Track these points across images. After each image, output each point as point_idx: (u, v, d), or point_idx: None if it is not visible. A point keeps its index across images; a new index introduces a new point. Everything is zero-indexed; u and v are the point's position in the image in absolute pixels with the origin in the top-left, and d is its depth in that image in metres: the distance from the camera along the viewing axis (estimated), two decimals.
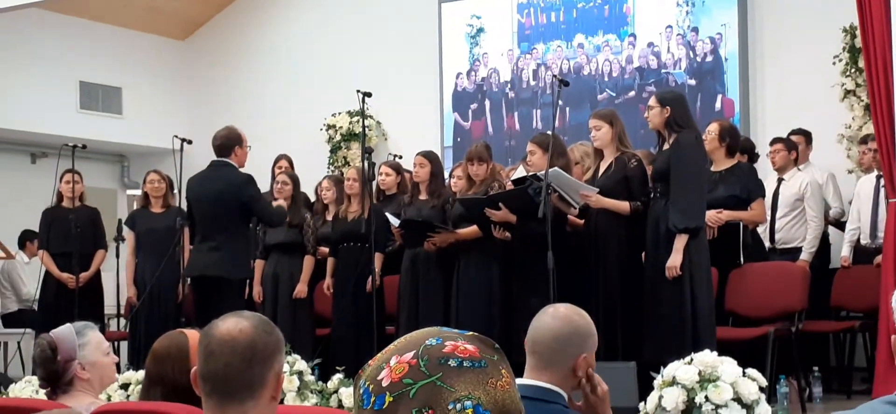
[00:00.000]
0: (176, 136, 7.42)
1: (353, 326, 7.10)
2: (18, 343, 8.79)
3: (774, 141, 7.32)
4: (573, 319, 2.65)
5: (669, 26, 8.94)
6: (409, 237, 6.77)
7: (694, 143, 5.66)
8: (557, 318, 2.65)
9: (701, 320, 5.54)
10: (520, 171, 6.39)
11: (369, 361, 1.44)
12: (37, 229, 8.49)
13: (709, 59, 8.79)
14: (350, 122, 10.16)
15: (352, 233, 7.20)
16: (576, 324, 2.64)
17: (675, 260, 5.50)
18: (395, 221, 6.74)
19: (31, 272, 9.32)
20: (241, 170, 6.68)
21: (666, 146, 5.70)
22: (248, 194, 6.56)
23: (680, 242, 5.51)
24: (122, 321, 8.73)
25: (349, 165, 9.74)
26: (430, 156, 6.95)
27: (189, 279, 6.91)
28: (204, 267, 6.55)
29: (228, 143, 6.62)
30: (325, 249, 7.61)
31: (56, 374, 3.16)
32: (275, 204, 7.22)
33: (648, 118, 5.79)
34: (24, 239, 9.59)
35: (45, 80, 10.30)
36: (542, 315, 2.69)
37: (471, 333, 1.45)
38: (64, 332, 3.21)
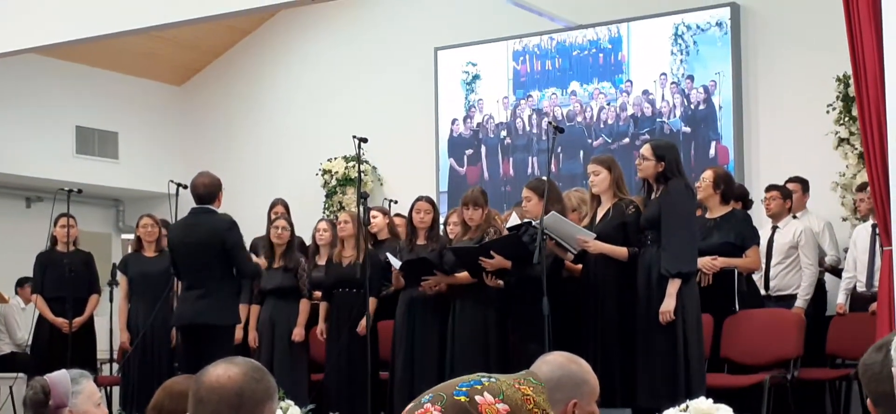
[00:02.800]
0: (171, 181, 7.42)
1: (347, 371, 7.07)
2: (10, 388, 8.74)
3: (770, 188, 7.34)
4: (565, 364, 2.65)
5: (664, 74, 9.00)
6: (409, 278, 6.75)
7: (684, 190, 5.69)
8: (548, 362, 2.65)
9: (692, 366, 5.53)
10: (513, 218, 6.39)
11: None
12: (31, 274, 8.46)
13: (703, 107, 8.83)
14: (346, 168, 10.18)
15: (346, 278, 7.18)
16: (566, 369, 2.64)
17: (668, 305, 5.50)
18: (396, 262, 6.72)
19: (26, 317, 9.27)
20: (223, 214, 6.60)
21: (655, 195, 5.72)
22: (232, 240, 6.46)
23: (673, 286, 5.51)
24: (115, 366, 8.68)
25: (344, 210, 9.74)
26: (432, 202, 7.03)
27: (176, 328, 6.86)
28: (192, 315, 6.46)
29: (213, 189, 6.54)
30: (320, 294, 7.58)
31: None
32: (254, 260, 7.13)
33: (640, 167, 5.80)
34: (19, 285, 9.55)
35: (42, 124, 10.31)
36: (537, 361, 2.69)
37: (463, 398, 1.45)
38: (59, 377, 3.19)
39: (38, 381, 3.19)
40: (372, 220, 7.55)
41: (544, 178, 6.18)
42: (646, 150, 5.83)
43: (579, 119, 9.37)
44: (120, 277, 8.05)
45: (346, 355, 7.08)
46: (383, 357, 7.12)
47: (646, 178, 5.80)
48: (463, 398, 1.43)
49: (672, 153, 5.82)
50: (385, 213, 7.78)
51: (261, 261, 7.24)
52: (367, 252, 6.89)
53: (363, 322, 6.89)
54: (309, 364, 7.56)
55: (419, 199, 6.97)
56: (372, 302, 6.98)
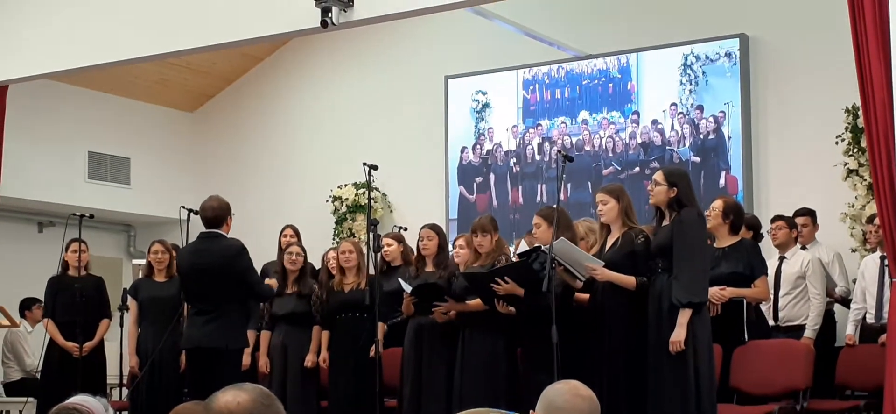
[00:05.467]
0: (183, 207, 7.46)
1: (353, 398, 7.06)
2: (21, 412, 8.76)
3: (776, 218, 7.34)
4: (592, 397, 2.71)
5: (673, 104, 9.02)
6: (420, 304, 6.74)
7: (696, 219, 5.67)
8: (579, 396, 2.70)
9: (703, 396, 5.51)
10: (523, 246, 6.40)
11: None
12: (39, 297, 8.48)
13: (712, 136, 8.85)
14: (356, 194, 10.22)
15: (349, 303, 7.17)
16: (594, 402, 2.70)
17: (678, 335, 5.49)
18: (407, 287, 6.71)
19: (32, 341, 9.30)
20: (232, 239, 6.60)
21: (666, 222, 5.72)
22: (242, 266, 6.46)
23: (684, 316, 5.49)
24: (125, 391, 8.70)
25: (354, 237, 9.77)
26: (436, 229, 6.98)
27: (185, 351, 6.87)
28: (199, 339, 6.46)
29: (222, 214, 6.54)
30: None
31: None
32: (267, 282, 7.13)
33: (652, 193, 5.80)
34: (24, 307, 9.57)
35: (55, 149, 10.39)
36: (561, 392, 2.72)
37: None
38: (101, 411, 3.05)
39: (83, 412, 2.85)
40: (387, 247, 7.55)
41: (555, 206, 6.17)
42: (658, 175, 5.81)
43: (588, 148, 9.40)
44: (130, 301, 8.08)
45: (353, 382, 7.07)
46: (389, 383, 7.11)
47: (657, 205, 5.79)
48: None
49: (684, 181, 5.81)
50: (400, 240, 7.74)
51: (272, 281, 7.25)
52: (376, 276, 6.90)
53: (374, 347, 6.89)
54: (319, 390, 7.55)
55: (423, 227, 6.99)
56: (380, 329, 6.99)
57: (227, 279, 6.41)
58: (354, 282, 7.21)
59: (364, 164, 6.93)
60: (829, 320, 7.29)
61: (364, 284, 7.08)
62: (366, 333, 6.94)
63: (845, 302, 7.42)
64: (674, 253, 5.56)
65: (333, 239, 10.07)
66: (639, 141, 9.17)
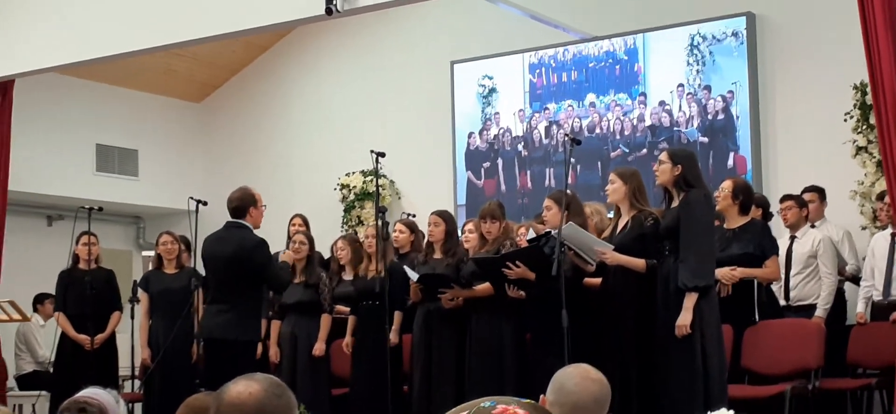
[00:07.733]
0: (191, 198, 7.46)
1: (371, 384, 7.08)
2: (33, 406, 8.79)
3: (785, 198, 7.32)
4: (601, 379, 2.72)
5: (681, 85, 8.99)
6: (427, 292, 6.76)
7: (703, 201, 5.66)
8: (589, 379, 2.71)
9: (712, 378, 5.50)
10: (530, 232, 6.39)
11: None
12: (52, 291, 8.52)
13: (720, 117, 8.82)
14: (364, 182, 10.22)
15: (369, 291, 7.20)
16: (604, 385, 2.71)
17: (684, 319, 5.48)
18: (413, 275, 6.73)
19: (45, 334, 9.33)
20: (255, 233, 6.61)
21: (674, 203, 5.70)
22: (260, 259, 6.48)
23: (690, 300, 5.48)
24: (137, 383, 8.73)
25: (363, 224, 9.78)
26: (444, 215, 6.98)
27: (202, 341, 6.90)
28: (213, 329, 6.50)
29: (243, 204, 6.58)
30: (345, 309, 7.60)
31: None
32: (281, 259, 7.11)
33: (658, 172, 5.79)
34: (37, 301, 9.61)
35: (62, 143, 10.41)
36: (568, 376, 2.72)
37: (529, 401, 1.49)
38: (108, 400, 3.08)
39: (94, 405, 2.97)
40: (399, 235, 7.56)
41: (567, 190, 6.16)
42: (663, 155, 5.81)
43: (596, 131, 9.38)
44: (141, 293, 8.10)
45: (370, 368, 7.09)
46: (407, 370, 7.13)
47: (664, 185, 5.78)
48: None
49: (690, 160, 5.79)
50: (412, 228, 7.71)
51: (288, 255, 7.22)
52: (385, 265, 6.92)
53: (393, 335, 6.93)
54: (330, 378, 7.58)
55: (431, 213, 7.00)
56: (398, 315, 7.01)
57: (240, 270, 6.44)
58: (376, 269, 7.23)
59: (371, 151, 6.93)
60: (839, 299, 7.27)
61: (380, 270, 7.10)
62: (380, 320, 6.97)
63: (855, 280, 7.40)
64: (680, 236, 5.55)
65: (342, 227, 10.08)
66: (647, 123, 9.14)
